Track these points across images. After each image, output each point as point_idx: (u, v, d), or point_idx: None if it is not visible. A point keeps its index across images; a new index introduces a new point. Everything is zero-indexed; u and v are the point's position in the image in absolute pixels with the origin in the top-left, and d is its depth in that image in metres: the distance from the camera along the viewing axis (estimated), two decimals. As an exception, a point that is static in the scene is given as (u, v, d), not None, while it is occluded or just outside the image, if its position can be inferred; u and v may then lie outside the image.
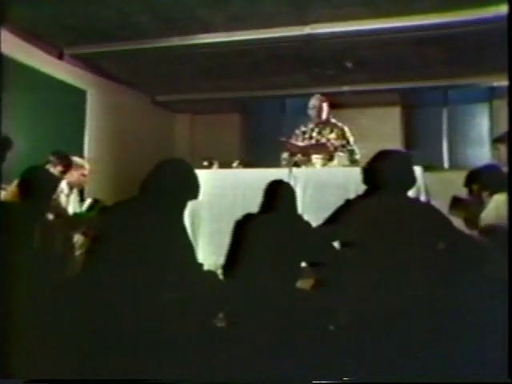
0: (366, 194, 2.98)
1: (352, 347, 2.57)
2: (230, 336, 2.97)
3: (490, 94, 9.35)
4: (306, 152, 5.55)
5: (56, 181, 4.16)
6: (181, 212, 2.91)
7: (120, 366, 2.39)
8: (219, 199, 4.99)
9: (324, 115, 5.90)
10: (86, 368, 2.40)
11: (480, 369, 2.37)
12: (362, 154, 5.29)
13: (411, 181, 2.99)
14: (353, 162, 5.50)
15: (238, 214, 3.60)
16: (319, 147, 5.56)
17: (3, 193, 4.16)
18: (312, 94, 6.12)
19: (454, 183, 4.04)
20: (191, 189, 2.93)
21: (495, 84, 8.39)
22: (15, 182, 3.91)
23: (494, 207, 3.29)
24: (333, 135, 5.74)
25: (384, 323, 2.58)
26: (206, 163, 5.79)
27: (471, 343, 2.49)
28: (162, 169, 2.90)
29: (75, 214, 4.84)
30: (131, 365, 2.39)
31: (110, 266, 2.65)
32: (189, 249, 2.84)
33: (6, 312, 2.64)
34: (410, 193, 3.14)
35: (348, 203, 3.01)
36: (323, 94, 6.13)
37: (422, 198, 4.38)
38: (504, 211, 3.14)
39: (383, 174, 2.89)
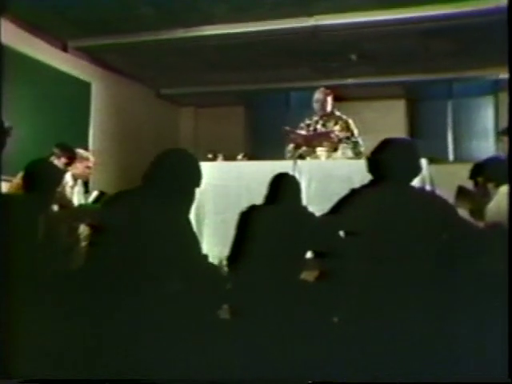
0: (371, 183, 2.97)
1: (351, 343, 2.57)
2: (235, 328, 2.97)
3: (495, 87, 9.30)
4: (310, 142, 5.54)
5: (60, 173, 4.16)
6: (184, 201, 2.90)
7: (124, 363, 2.38)
8: (224, 191, 4.99)
9: (328, 108, 5.87)
10: (85, 367, 2.40)
11: (480, 369, 2.37)
12: (367, 146, 5.27)
13: (417, 169, 2.96)
14: (357, 154, 5.48)
15: (243, 205, 3.60)
16: (322, 136, 5.55)
17: (4, 185, 4.17)
18: (316, 87, 6.09)
19: (459, 176, 4.03)
20: (193, 177, 2.92)
21: (500, 76, 8.34)
22: (20, 175, 3.91)
23: (501, 199, 3.27)
24: (337, 127, 5.71)
25: (384, 318, 2.58)
26: (210, 156, 5.80)
27: (471, 343, 2.49)
28: (164, 158, 2.89)
29: (80, 205, 4.85)
30: (135, 362, 2.38)
31: (113, 256, 2.65)
32: (193, 239, 2.83)
33: (9, 306, 2.64)
34: (416, 184, 3.13)
35: (353, 193, 2.99)
36: (328, 87, 6.10)
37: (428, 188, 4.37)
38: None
39: (388, 162, 2.87)
